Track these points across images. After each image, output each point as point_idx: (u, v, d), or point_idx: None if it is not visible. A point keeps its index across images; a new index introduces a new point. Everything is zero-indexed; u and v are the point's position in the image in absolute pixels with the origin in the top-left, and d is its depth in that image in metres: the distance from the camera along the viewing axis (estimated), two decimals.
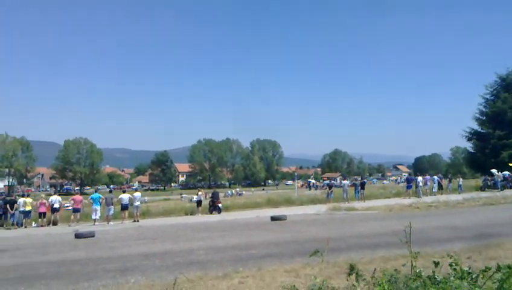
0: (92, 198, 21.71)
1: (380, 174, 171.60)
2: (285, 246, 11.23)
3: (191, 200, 51.66)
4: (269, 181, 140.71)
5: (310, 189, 62.95)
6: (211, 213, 24.97)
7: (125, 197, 22.02)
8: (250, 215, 21.77)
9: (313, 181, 76.59)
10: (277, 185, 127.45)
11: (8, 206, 21.95)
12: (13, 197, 24.45)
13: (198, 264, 9.18)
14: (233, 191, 72.14)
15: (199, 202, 26.00)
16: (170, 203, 38.93)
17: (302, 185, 78.19)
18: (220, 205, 25.43)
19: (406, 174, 51.19)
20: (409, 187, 29.02)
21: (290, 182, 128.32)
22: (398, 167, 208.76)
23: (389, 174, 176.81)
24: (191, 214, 25.20)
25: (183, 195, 63.48)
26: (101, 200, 21.39)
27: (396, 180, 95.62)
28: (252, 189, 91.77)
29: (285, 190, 71.19)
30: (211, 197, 26.18)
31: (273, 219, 17.43)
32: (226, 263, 9.18)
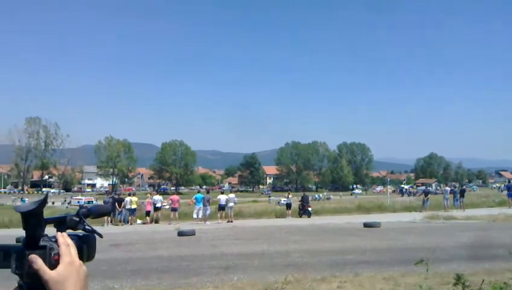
0: (195, 198, 23.17)
1: (480, 181, 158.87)
2: (381, 254, 11.14)
3: (278, 202, 52.45)
4: (358, 186, 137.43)
5: (402, 195, 60.58)
6: (300, 217, 25.26)
7: (222, 198, 23.20)
8: (340, 220, 21.65)
9: (406, 187, 73.43)
10: (366, 190, 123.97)
11: (116, 204, 24.11)
12: (120, 196, 26.80)
13: (295, 266, 9.50)
14: (321, 195, 71.76)
15: (289, 205, 26.41)
16: (260, 205, 39.91)
17: (393, 191, 75.38)
18: (309, 208, 25.62)
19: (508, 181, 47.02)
20: (510, 195, 26.75)
21: (379, 188, 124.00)
22: (502, 173, 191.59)
23: (491, 180, 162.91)
24: (281, 217, 25.74)
25: (271, 197, 64.59)
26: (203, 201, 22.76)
27: (499, 187, 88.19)
28: (340, 193, 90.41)
29: (375, 196, 69.19)
30: (301, 201, 26.46)
31: (366, 225, 17.22)
32: (322, 266, 9.39)
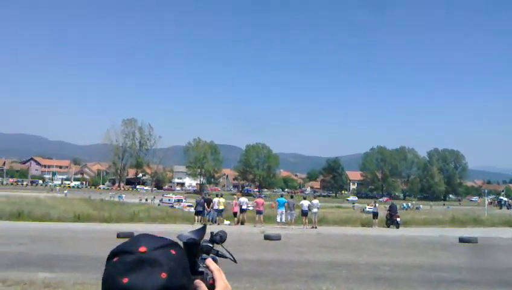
0: (278, 201, 23.49)
1: None
2: (478, 273, 10.43)
3: (363, 210, 51.13)
4: (450, 195, 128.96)
5: (500, 207, 55.79)
6: (388, 227, 24.42)
7: (305, 203, 23.20)
8: (432, 233, 20.54)
9: (505, 199, 67.53)
10: (459, 200, 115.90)
11: (205, 204, 25.17)
12: (209, 197, 27.93)
13: (385, 280, 9.25)
14: (410, 204, 68.56)
15: (375, 214, 25.65)
16: (344, 212, 39.20)
17: (490, 203, 69.73)
18: (398, 219, 24.65)
19: None
20: None
21: (475, 198, 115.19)
22: None
23: None
24: (367, 226, 25.07)
25: (355, 204, 63.13)
26: (286, 205, 22.99)
27: None
28: (430, 203, 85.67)
29: (470, 207, 64.52)
30: (389, 210, 25.55)
31: (462, 240, 16.16)
32: (414, 283, 9.04)
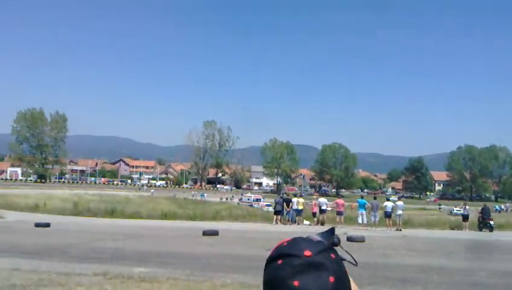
0: (358, 202, 22.98)
1: None
2: None
3: (451, 212, 48.21)
4: None
5: None
6: (480, 230, 22.77)
7: (389, 204, 22.39)
8: None
9: None
10: None
11: (284, 204, 25.28)
12: (288, 197, 28.00)
13: (482, 286, 8.66)
14: (503, 206, 63.39)
15: (465, 217, 24.03)
16: (430, 214, 37.27)
17: None
18: (491, 222, 22.89)
19: None
20: None
21: None
22: None
23: None
24: (456, 229, 23.59)
25: (441, 206, 59.73)
26: (366, 206, 22.41)
27: None
28: None
29: None
30: (481, 213, 23.81)
31: None
32: None
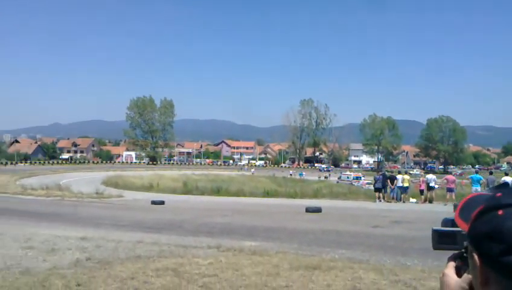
0: (471, 178, 21.37)
1: None
2: None
3: None
4: None
5: None
6: None
7: (508, 179, 20.45)
8: None
9: None
10: None
11: (388, 181, 24.40)
12: (392, 174, 26.98)
13: None
14: None
15: None
16: None
17: None
18: None
19: None
20: None
21: None
22: None
23: None
24: None
25: None
26: (481, 182, 20.74)
27: None
28: None
29: None
30: None
31: None
32: None
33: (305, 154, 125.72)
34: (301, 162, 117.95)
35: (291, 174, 66.63)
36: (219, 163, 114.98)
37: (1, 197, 23.33)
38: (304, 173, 69.95)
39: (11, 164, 78.47)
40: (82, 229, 12.50)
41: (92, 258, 9.00)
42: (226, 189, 29.80)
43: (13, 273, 7.71)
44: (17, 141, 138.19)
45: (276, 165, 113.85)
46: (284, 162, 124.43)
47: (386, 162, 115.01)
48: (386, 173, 27.34)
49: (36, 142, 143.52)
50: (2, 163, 75.45)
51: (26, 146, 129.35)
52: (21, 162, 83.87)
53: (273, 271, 7.16)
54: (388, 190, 24.29)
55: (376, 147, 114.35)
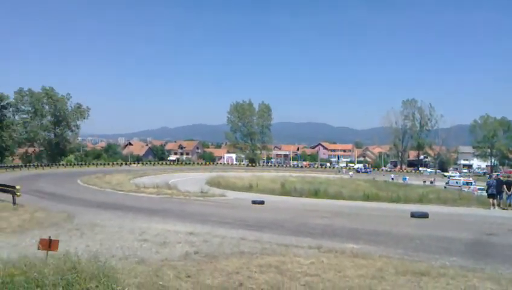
0: None
1: None
2: None
3: None
4: None
5: None
6: None
7: None
8: None
9: None
10: None
11: (504, 186, 22.19)
12: (509, 178, 24.53)
13: None
14: None
15: None
16: None
17: None
18: None
19: None
20: None
21: None
22: None
23: None
24: None
25: None
26: None
27: None
28: None
29: None
30: None
31: None
32: None
33: (408, 157, 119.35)
34: (404, 166, 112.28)
35: (392, 179, 63.75)
36: (316, 165, 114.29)
37: (118, 195, 25.76)
38: (407, 178, 66.46)
39: (125, 164, 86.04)
40: (190, 225, 13.32)
41: (199, 252, 9.56)
42: (324, 191, 29.54)
43: (130, 262, 8.49)
44: (130, 144, 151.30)
45: (376, 169, 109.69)
46: (384, 166, 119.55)
47: (500, 167, 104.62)
48: (501, 178, 24.87)
49: (147, 145, 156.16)
50: (118, 164, 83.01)
51: (138, 148, 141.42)
52: (134, 163, 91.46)
53: (378, 275, 6.96)
54: (504, 196, 22.17)
55: (489, 150, 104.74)
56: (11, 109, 73.03)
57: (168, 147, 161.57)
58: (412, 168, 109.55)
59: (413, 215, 15.44)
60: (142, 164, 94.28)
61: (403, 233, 12.01)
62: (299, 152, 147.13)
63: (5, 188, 19.05)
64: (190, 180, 42.29)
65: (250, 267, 8.18)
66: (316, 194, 28.31)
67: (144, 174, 51.36)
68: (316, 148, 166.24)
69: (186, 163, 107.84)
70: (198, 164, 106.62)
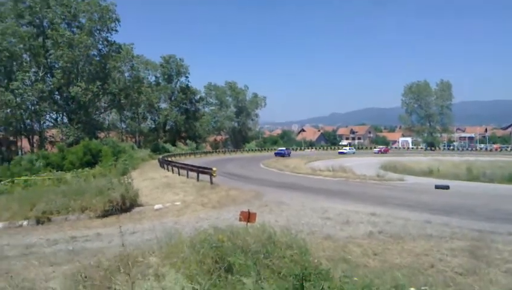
0: None
1: None
2: None
3: None
4: None
5: None
6: None
7: None
8: None
9: None
10: None
11: None
12: None
13: None
14: None
15: None
16: None
17: None
18: None
19: None
20: None
21: None
22: None
23: None
24: None
25: None
26: None
27: None
28: None
29: None
30: None
31: None
32: None
33: None
34: None
35: None
36: (509, 149, 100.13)
37: (296, 177, 27.11)
38: None
39: (300, 149, 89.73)
40: (370, 206, 13.34)
41: (383, 232, 9.58)
42: None
43: (317, 237, 9.04)
44: (303, 130, 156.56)
45: None
46: None
47: None
48: None
49: (319, 131, 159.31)
50: (293, 149, 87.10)
51: (311, 134, 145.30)
52: (308, 148, 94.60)
53: None
54: None
55: None
56: (202, 103, 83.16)
57: (340, 132, 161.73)
58: None
59: None
60: (315, 148, 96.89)
61: None
62: (487, 134, 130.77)
63: (205, 170, 22.05)
64: (363, 164, 41.65)
65: (441, 249, 7.88)
66: (510, 180, 25.01)
67: (317, 158, 52.62)
68: (509, 129, 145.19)
69: (358, 148, 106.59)
70: (370, 148, 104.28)
